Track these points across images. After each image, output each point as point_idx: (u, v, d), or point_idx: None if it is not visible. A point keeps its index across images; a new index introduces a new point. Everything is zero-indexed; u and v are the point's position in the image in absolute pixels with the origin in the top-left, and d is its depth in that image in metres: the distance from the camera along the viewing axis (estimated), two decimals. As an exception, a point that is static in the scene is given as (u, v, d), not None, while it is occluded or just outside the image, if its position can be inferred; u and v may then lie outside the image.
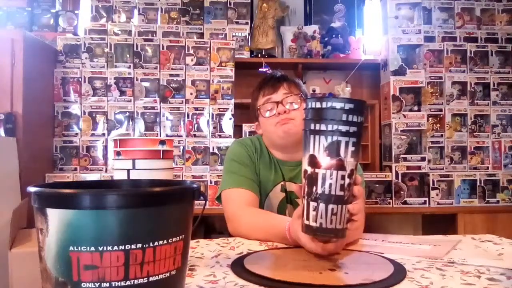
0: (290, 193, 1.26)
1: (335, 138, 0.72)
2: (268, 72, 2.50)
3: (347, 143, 0.72)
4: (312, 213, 0.74)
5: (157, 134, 2.38)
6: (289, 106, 1.22)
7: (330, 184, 0.72)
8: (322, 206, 0.73)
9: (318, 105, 0.74)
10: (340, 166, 0.72)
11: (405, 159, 2.39)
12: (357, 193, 0.79)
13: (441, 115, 2.48)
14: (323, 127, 0.72)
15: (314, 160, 0.74)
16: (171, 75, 2.40)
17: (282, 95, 1.23)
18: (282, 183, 1.26)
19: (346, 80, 2.69)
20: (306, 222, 0.75)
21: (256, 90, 1.30)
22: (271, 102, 1.23)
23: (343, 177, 0.72)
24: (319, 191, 0.73)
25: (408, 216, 2.57)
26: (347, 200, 0.74)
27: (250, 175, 1.23)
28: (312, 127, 0.74)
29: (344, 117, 0.71)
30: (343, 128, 0.71)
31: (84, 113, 2.36)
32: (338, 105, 0.72)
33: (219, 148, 2.38)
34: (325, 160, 0.72)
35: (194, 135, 2.40)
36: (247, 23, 2.64)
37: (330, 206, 0.73)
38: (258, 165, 1.27)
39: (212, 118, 2.40)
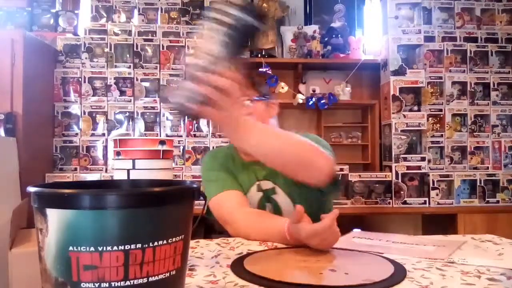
0: (266, 191, 1.25)
1: (213, 24, 0.77)
2: (268, 72, 2.50)
3: (218, 30, 0.76)
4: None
5: (157, 134, 2.38)
6: None
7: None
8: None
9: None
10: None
11: (405, 159, 2.39)
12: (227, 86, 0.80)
13: (441, 115, 2.48)
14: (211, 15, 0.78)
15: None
16: (171, 75, 2.40)
17: None
18: (258, 182, 1.25)
19: (346, 80, 2.69)
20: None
21: None
22: None
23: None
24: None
25: (408, 216, 2.56)
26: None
27: (229, 177, 1.23)
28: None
29: (227, 10, 0.76)
30: (221, 17, 0.76)
31: (84, 113, 2.36)
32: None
33: (219, 148, 2.38)
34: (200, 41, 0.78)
35: (194, 135, 2.40)
36: (247, 23, 2.64)
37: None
38: (232, 170, 1.26)
39: (212, 118, 2.39)
